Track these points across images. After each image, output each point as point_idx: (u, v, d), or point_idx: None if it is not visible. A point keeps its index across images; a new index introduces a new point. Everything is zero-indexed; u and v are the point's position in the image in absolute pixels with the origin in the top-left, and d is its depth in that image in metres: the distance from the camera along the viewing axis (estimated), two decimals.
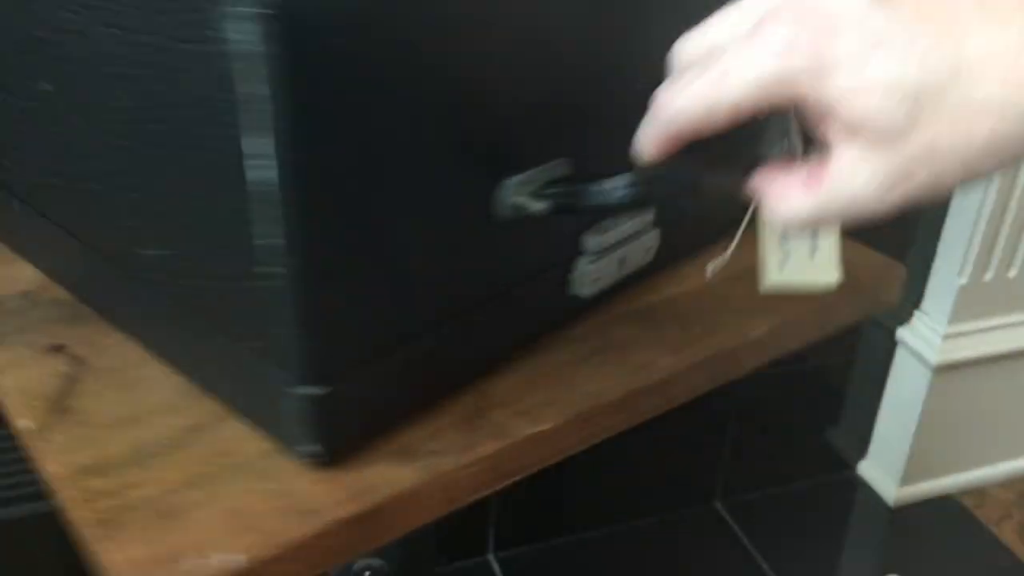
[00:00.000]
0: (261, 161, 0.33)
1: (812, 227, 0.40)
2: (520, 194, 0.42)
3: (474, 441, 0.42)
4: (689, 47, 0.34)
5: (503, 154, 0.42)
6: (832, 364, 1.42)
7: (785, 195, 0.33)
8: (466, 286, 0.44)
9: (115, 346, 0.46)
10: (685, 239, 0.55)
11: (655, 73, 0.34)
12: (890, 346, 1.35)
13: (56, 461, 0.40)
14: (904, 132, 0.29)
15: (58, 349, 0.45)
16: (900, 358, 1.35)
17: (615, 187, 0.38)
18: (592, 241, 0.49)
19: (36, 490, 0.99)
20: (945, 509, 1.39)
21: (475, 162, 0.41)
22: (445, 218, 0.41)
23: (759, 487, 1.39)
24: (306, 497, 0.39)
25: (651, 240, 0.52)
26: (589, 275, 0.49)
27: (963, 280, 1.26)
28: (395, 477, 0.40)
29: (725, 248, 0.45)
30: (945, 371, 1.30)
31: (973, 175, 0.30)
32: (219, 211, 0.37)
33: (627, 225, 0.50)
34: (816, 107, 0.31)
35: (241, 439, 0.42)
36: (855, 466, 1.43)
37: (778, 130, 0.34)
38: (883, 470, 1.41)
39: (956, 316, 1.28)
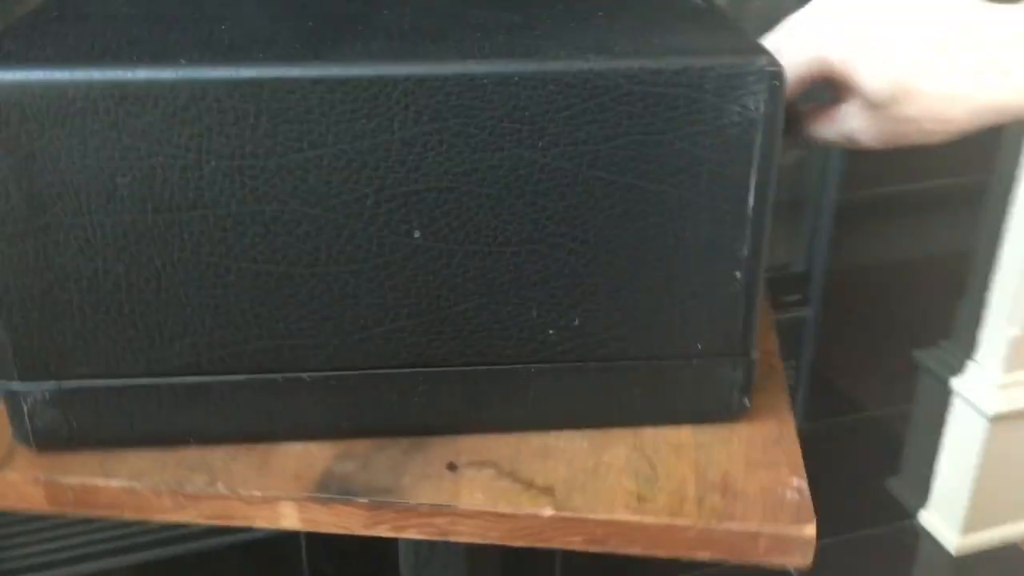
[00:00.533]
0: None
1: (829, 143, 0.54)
2: None
3: None
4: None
5: None
6: (891, 414, 1.46)
7: (813, 119, 0.51)
8: None
9: None
10: None
11: None
12: (946, 396, 1.39)
13: None
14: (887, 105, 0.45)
15: None
16: (956, 408, 1.39)
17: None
18: None
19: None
20: (1008, 557, 1.41)
21: None
22: None
23: (821, 537, 1.42)
24: None
25: None
26: None
27: (1015, 330, 1.30)
28: None
29: None
30: (1002, 420, 1.34)
31: (958, 132, 0.45)
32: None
33: None
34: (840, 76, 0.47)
35: None
36: (916, 515, 1.46)
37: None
38: (944, 519, 1.43)
39: (1010, 366, 1.32)
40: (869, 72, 0.45)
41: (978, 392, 1.35)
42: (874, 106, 0.46)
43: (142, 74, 0.41)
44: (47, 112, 0.41)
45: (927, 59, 0.44)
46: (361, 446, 0.50)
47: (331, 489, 0.48)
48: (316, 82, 0.42)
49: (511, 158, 0.44)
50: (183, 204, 0.43)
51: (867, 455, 1.47)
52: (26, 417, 0.49)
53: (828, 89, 0.50)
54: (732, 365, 0.49)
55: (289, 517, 0.48)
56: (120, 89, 0.41)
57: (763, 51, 0.44)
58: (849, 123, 0.48)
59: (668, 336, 0.48)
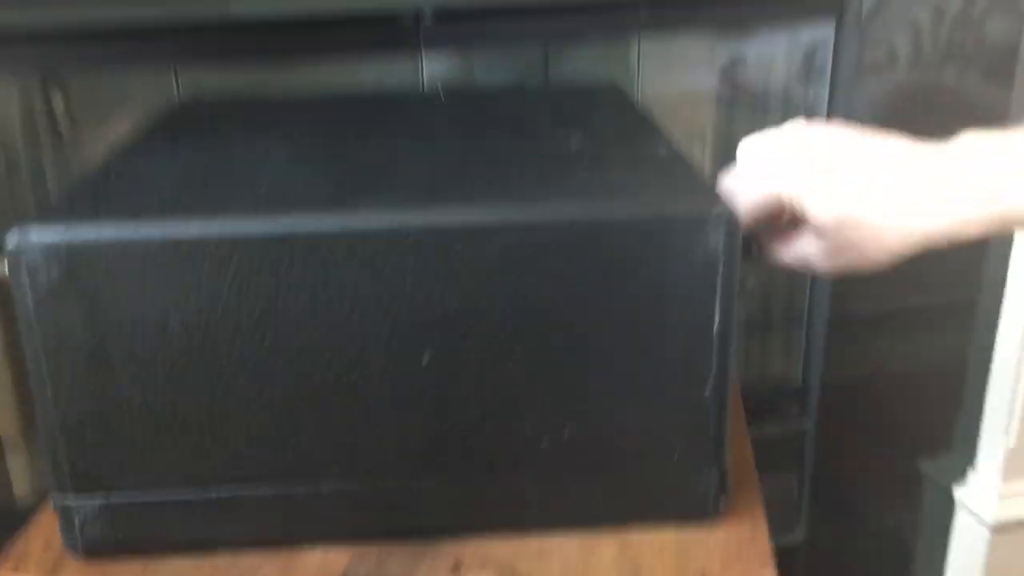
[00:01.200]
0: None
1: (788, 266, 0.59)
2: None
3: None
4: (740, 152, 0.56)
5: None
6: (898, 523, 1.48)
7: (771, 246, 0.57)
8: None
9: None
10: None
11: None
12: (950, 505, 1.42)
13: None
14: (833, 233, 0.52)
15: None
16: (960, 517, 1.41)
17: None
18: None
19: None
20: None
21: None
22: None
23: None
24: None
25: None
26: None
27: (1011, 443, 1.34)
28: None
29: None
30: (1004, 530, 1.36)
31: (897, 257, 0.51)
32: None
33: None
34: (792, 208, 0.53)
35: None
36: None
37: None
38: None
39: (1008, 475, 1.36)
40: (815, 205, 0.51)
41: (979, 501, 1.38)
42: (822, 234, 0.52)
43: (192, 230, 0.49)
44: (112, 264, 0.49)
45: (865, 194, 0.50)
46: (375, 550, 0.56)
47: None
48: (341, 234, 0.49)
49: (508, 295, 0.51)
50: (225, 338, 0.50)
51: (875, 565, 1.49)
52: (77, 528, 0.55)
53: (783, 219, 0.56)
54: (708, 471, 0.55)
55: None
56: (174, 244, 0.49)
57: (718, 199, 0.51)
58: (803, 248, 0.55)
59: (648, 446, 0.54)
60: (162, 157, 0.64)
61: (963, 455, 1.41)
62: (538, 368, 0.52)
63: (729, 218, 0.50)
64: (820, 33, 1.11)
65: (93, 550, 0.56)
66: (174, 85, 0.90)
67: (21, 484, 1.01)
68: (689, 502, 0.56)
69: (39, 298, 0.49)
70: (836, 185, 0.51)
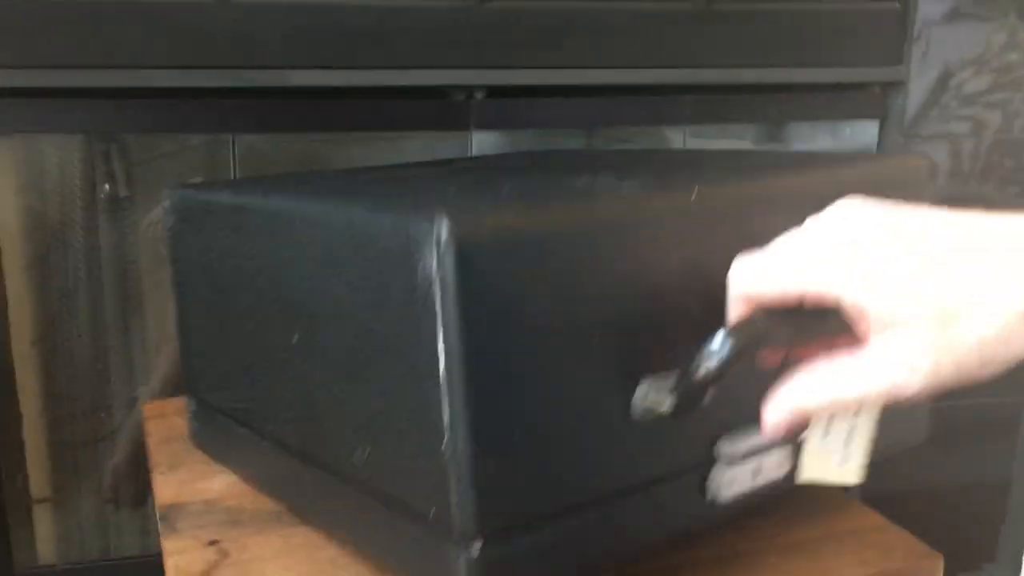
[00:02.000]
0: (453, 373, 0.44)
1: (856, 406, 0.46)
2: (651, 396, 0.48)
3: None
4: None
5: (641, 358, 0.49)
6: None
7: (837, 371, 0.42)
8: (608, 478, 0.50)
9: (256, 546, 0.60)
10: None
11: None
12: None
13: None
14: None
15: (213, 543, 0.60)
16: None
17: (713, 345, 0.43)
18: (725, 447, 0.53)
19: None
20: None
21: (615, 367, 0.49)
22: (589, 414, 0.48)
23: None
24: None
25: (783, 456, 0.56)
26: (724, 482, 0.54)
27: None
28: None
29: None
30: None
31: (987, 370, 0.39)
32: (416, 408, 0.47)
33: (758, 436, 0.52)
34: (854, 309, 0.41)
35: None
36: None
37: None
38: None
39: None
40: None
41: None
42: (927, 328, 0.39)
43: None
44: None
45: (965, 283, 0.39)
46: None
47: None
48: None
49: (310, 285, 0.53)
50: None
51: None
52: None
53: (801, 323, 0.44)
54: (453, 548, 0.46)
55: None
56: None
57: (440, 214, 0.42)
58: (895, 355, 0.40)
59: (405, 493, 0.50)
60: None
61: (1007, 569, 1.36)
62: (318, 375, 0.54)
63: (455, 238, 0.42)
64: (861, 133, 1.13)
65: None
66: (231, 152, 0.93)
67: (47, 550, 1.00)
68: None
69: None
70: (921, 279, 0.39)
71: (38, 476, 0.97)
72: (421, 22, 0.89)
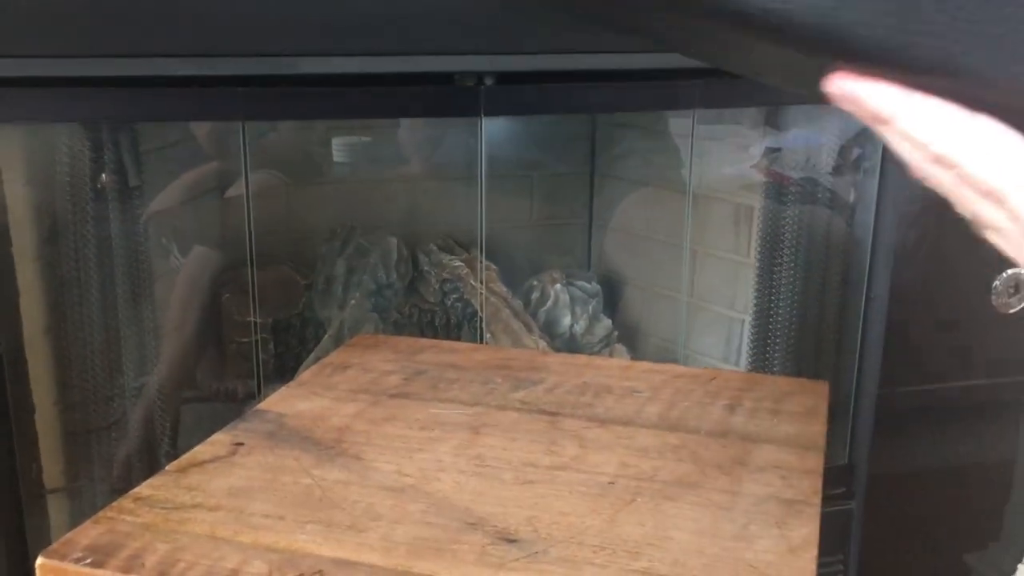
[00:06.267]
0: None
1: None
2: None
3: None
4: None
5: None
6: None
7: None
8: None
9: None
10: None
11: None
12: None
13: None
14: None
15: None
16: None
17: None
18: None
19: None
20: None
21: None
22: None
23: None
24: None
25: None
26: None
27: None
28: None
29: None
30: None
31: None
32: None
33: None
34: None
35: None
36: None
37: None
38: None
39: None
40: None
41: None
42: None
43: None
44: None
45: None
46: None
47: None
48: None
49: None
50: None
51: None
52: None
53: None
54: None
55: None
56: None
57: None
58: None
59: None
60: None
61: (1012, 549, 1.37)
62: None
63: None
64: None
65: None
66: (241, 140, 0.93)
67: None
68: None
69: None
70: None
71: (51, 467, 0.97)
72: (431, 9, 0.89)
